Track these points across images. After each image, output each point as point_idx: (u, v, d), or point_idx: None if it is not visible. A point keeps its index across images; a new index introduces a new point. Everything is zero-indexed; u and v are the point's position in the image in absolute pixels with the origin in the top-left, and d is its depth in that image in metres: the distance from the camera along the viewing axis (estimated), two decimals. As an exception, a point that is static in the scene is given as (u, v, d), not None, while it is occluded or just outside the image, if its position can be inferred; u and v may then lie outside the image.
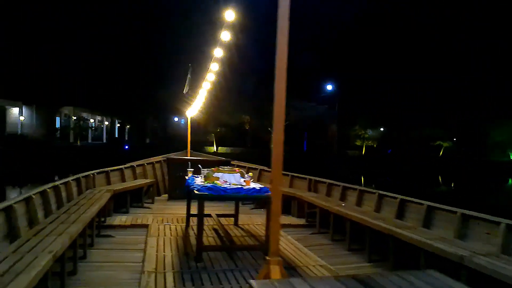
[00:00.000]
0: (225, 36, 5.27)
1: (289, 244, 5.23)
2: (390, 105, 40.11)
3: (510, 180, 32.23)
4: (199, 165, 5.71)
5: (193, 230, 5.82)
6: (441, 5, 44.14)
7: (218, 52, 6.16)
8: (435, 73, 43.81)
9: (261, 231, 5.89)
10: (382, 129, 43.63)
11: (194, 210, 5.36)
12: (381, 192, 5.81)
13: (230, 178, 4.94)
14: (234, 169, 5.18)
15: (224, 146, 36.80)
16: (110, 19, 38.57)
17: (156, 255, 4.55)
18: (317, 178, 7.61)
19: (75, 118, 40.07)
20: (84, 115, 42.02)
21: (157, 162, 9.88)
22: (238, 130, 37.25)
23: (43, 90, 34.83)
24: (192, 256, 4.54)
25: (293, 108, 34.86)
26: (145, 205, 7.96)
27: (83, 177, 6.45)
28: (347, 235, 5.44)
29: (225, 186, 4.55)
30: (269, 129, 37.22)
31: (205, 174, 4.91)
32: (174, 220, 6.57)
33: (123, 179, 8.12)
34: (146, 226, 6.09)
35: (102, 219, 5.97)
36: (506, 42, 45.25)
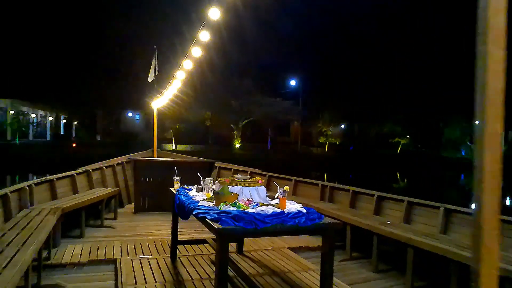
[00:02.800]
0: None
1: (316, 277, 3.64)
2: (352, 102, 39.97)
3: (462, 176, 33.07)
4: (199, 175, 3.94)
5: (184, 267, 4.02)
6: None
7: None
8: (394, 71, 44.37)
9: (289, 264, 4.21)
10: (343, 126, 43.63)
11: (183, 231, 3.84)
12: (409, 199, 4.78)
13: (253, 195, 3.23)
14: (256, 179, 3.44)
15: (184, 144, 34.48)
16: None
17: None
18: (332, 184, 6.11)
19: (13, 112, 35.67)
20: (24, 109, 37.55)
21: (118, 164, 7.86)
22: (199, 127, 35.05)
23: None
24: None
25: (256, 104, 33.44)
26: (106, 223, 5.99)
27: (13, 191, 4.41)
28: (408, 268, 3.91)
29: (253, 210, 2.82)
30: (232, 125, 35.50)
31: (218, 190, 3.11)
32: (152, 248, 4.70)
33: (74, 190, 6.08)
34: (113, 261, 4.17)
35: (45, 254, 4.01)
36: (458, 42, 46.84)
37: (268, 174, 7.28)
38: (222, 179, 3.40)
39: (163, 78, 8.98)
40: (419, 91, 42.69)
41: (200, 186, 4.01)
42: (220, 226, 2.44)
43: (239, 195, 3.15)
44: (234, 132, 35.24)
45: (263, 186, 3.35)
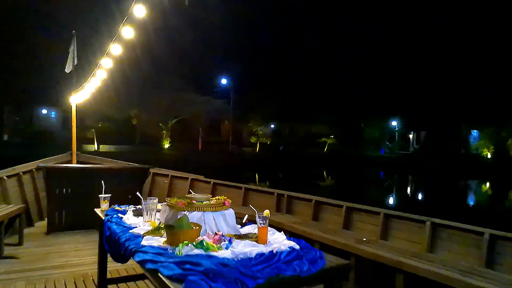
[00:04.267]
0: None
1: None
2: (281, 102, 40.40)
3: (382, 173, 35.25)
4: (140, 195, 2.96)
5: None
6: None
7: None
8: (321, 73, 45.89)
9: None
10: (273, 126, 44.04)
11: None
12: (385, 211, 4.25)
13: (219, 222, 2.36)
14: (220, 199, 2.56)
15: (107, 144, 31.81)
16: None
17: None
18: (290, 193, 5.40)
19: None
20: None
21: (25, 172, 6.38)
22: (124, 125, 32.56)
23: None
24: None
25: (187, 102, 32.04)
26: (7, 251, 4.63)
27: None
28: None
29: (228, 252, 1.94)
30: (161, 124, 33.64)
31: (173, 222, 2.15)
32: (70, 288, 3.57)
33: None
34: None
35: None
36: (382, 46, 49.91)
37: (212, 181, 6.38)
38: (173, 202, 2.47)
39: (84, 69, 7.65)
40: (344, 93, 44.62)
41: (138, 208, 3.02)
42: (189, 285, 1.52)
43: (204, 226, 2.26)
44: (163, 131, 33.51)
45: (231, 210, 2.49)
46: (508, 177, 29.20)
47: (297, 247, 2.10)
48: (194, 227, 2.10)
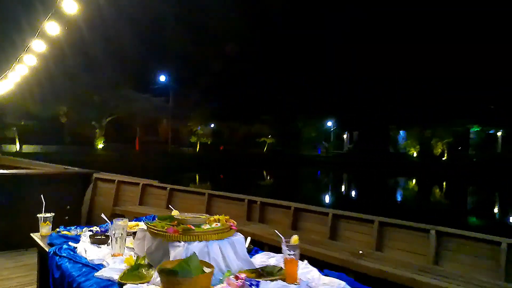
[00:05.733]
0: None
1: None
2: (222, 101, 39.84)
3: (319, 172, 36.32)
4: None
5: None
6: None
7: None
8: (262, 73, 45.96)
9: None
10: (212, 125, 43.29)
11: None
12: (380, 219, 3.77)
13: (227, 254, 1.69)
14: (222, 220, 1.88)
15: (31, 144, 28.66)
16: None
17: None
18: (264, 199, 4.80)
19: None
20: None
21: None
22: (52, 124, 29.53)
23: None
24: None
25: (123, 100, 29.96)
26: None
27: None
28: None
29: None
30: (94, 123, 31.15)
31: (156, 258, 1.43)
32: None
33: None
34: None
35: None
36: (317, 47, 51.31)
37: (169, 187, 5.56)
38: (158, 226, 1.75)
39: (0, 60, 6.48)
40: (282, 94, 45.13)
41: (96, 232, 2.24)
42: None
43: (213, 265, 1.57)
44: (97, 130, 31.03)
45: (240, 235, 1.83)
46: (432, 173, 31.42)
47: (342, 283, 1.52)
48: (205, 272, 1.41)
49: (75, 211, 5.02)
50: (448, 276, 2.92)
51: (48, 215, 2.44)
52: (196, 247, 1.61)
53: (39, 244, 2.23)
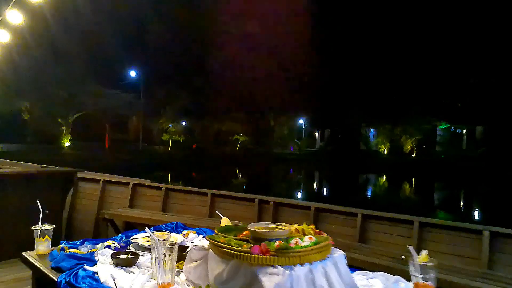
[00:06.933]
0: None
1: None
2: (193, 98, 38.92)
3: (291, 170, 36.49)
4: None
5: None
6: None
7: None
8: (230, 68, 45.24)
9: None
10: (184, 123, 42.33)
11: None
12: (420, 219, 3.45)
13: (332, 278, 1.21)
14: (315, 233, 1.36)
15: (-12, 143, 26.68)
16: None
17: None
18: (277, 199, 4.29)
19: None
20: None
21: None
22: (13, 121, 27.58)
23: None
24: None
25: (91, 95, 28.49)
26: None
27: None
28: None
29: None
30: (59, 120, 29.45)
31: None
32: None
33: None
34: None
35: None
36: (288, 44, 51.18)
37: (164, 186, 4.95)
38: (232, 242, 1.23)
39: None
40: (254, 91, 44.70)
41: (116, 249, 1.67)
42: None
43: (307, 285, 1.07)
44: (63, 127, 29.34)
45: (340, 252, 1.34)
46: (401, 170, 32.22)
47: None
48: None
49: (56, 216, 4.34)
50: None
51: (47, 227, 1.85)
52: (300, 272, 1.10)
53: (38, 268, 1.64)
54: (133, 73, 34.00)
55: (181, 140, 37.49)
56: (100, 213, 4.81)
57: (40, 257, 1.79)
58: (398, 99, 40.68)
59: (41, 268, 1.66)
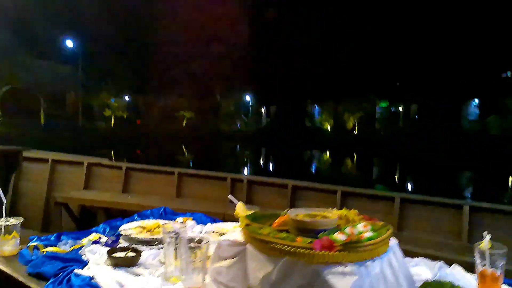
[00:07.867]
0: None
1: None
2: (138, 72, 37.14)
3: (238, 147, 36.75)
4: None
5: None
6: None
7: None
8: (178, 43, 43.66)
9: None
10: (127, 98, 40.39)
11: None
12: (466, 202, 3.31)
13: (397, 277, 1.02)
14: (373, 222, 1.17)
15: None
16: None
17: None
18: (299, 183, 3.92)
19: None
20: None
21: None
22: None
23: None
24: None
25: (21, 67, 25.92)
26: None
27: None
28: None
29: None
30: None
31: None
32: None
33: None
34: None
35: None
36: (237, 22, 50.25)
37: (124, 165, 4.48)
38: (290, 240, 1.00)
39: None
40: (201, 67, 43.75)
41: (117, 250, 1.37)
42: None
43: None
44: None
45: (395, 240, 1.16)
46: (343, 146, 33.65)
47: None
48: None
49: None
50: None
51: (13, 221, 1.48)
52: (374, 269, 0.91)
53: (8, 275, 1.28)
54: (70, 43, 31.05)
55: (125, 116, 35.75)
56: (51, 197, 4.28)
57: (7, 260, 1.42)
58: (341, 77, 41.91)
59: (12, 275, 1.30)
